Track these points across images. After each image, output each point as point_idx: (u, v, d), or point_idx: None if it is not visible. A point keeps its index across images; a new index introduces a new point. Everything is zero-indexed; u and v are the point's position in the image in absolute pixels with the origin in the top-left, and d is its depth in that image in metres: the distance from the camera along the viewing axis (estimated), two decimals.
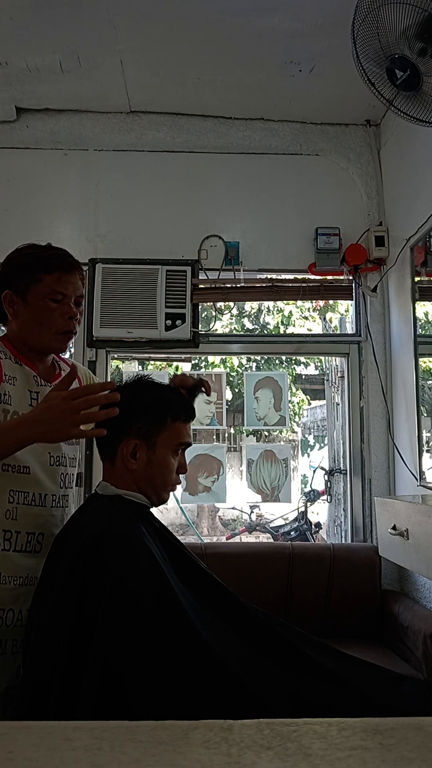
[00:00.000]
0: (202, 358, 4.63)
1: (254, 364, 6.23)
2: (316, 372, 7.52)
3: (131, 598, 0.97)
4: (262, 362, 6.24)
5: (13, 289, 1.28)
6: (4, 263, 1.32)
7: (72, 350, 2.96)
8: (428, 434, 2.52)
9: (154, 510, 1.23)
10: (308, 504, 4.76)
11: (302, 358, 6.41)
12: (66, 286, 1.27)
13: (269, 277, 2.87)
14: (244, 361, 6.46)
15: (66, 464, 1.31)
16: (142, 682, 0.90)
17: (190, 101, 2.79)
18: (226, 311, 3.03)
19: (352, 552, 2.52)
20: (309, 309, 6.62)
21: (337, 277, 2.87)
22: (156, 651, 0.93)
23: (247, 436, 7.48)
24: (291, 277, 2.88)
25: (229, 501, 3.86)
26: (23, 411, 1.21)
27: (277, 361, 6.16)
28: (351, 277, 2.83)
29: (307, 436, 9.14)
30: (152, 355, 3.00)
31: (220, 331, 4.92)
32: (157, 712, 0.88)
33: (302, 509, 4.80)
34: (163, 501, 1.22)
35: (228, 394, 5.85)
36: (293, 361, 6.86)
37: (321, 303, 6.13)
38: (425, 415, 2.50)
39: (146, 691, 0.90)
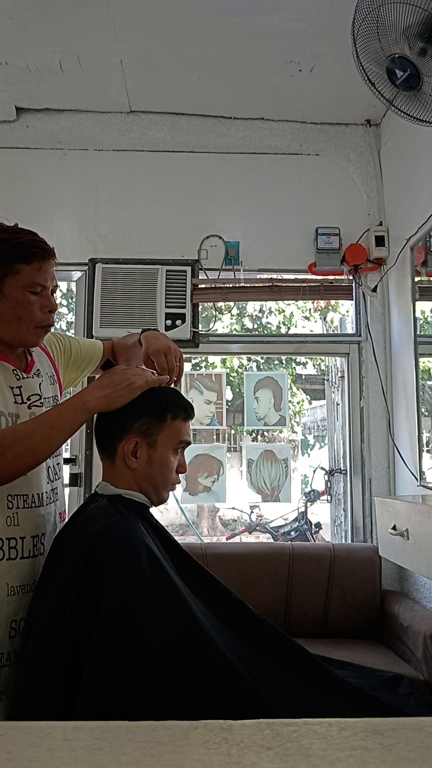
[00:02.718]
0: (202, 358, 4.62)
1: (254, 364, 6.23)
2: (316, 372, 7.52)
3: (132, 598, 0.97)
4: (262, 362, 6.24)
5: None
6: None
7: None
8: (428, 434, 2.52)
9: (154, 510, 1.23)
10: (308, 504, 4.76)
11: (302, 358, 6.41)
12: (45, 276, 1.19)
13: (269, 277, 2.87)
14: (244, 361, 6.46)
15: (54, 455, 1.27)
16: (148, 675, 0.90)
17: (190, 101, 2.79)
18: (226, 311, 3.02)
19: (353, 552, 2.52)
20: (310, 309, 6.62)
21: (337, 277, 2.87)
22: (158, 649, 0.93)
23: (248, 436, 7.48)
24: (291, 277, 2.88)
25: (229, 501, 3.85)
26: (8, 410, 1.17)
27: (277, 361, 6.16)
28: (351, 277, 2.83)
29: (307, 436, 9.13)
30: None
31: (220, 331, 4.91)
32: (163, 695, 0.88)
33: (302, 509, 4.80)
34: (163, 500, 1.22)
35: (228, 394, 5.84)
36: (293, 361, 6.86)
37: (322, 303, 6.13)
38: (425, 414, 2.50)
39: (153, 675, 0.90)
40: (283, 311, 6.64)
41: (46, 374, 1.31)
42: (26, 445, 1.08)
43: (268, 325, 6.91)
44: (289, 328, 6.55)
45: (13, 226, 1.22)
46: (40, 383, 1.26)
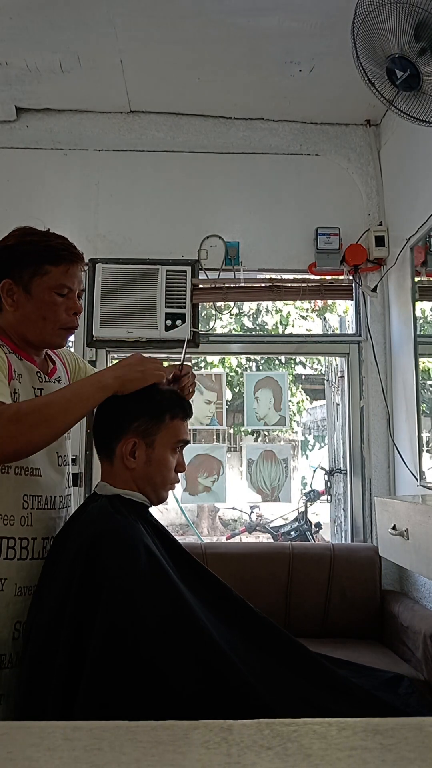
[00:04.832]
0: (202, 358, 4.62)
1: (254, 364, 6.22)
2: (316, 372, 7.51)
3: (131, 598, 0.97)
4: (262, 362, 6.24)
5: (13, 279, 1.20)
6: (3, 249, 1.22)
7: (72, 350, 2.96)
8: (428, 434, 2.52)
9: (154, 510, 1.23)
10: (308, 504, 4.76)
11: (302, 358, 6.41)
12: (72, 279, 1.22)
13: (269, 277, 2.86)
14: (243, 361, 6.45)
15: (68, 463, 1.30)
16: (147, 678, 0.90)
17: (190, 101, 2.79)
18: (226, 311, 3.03)
19: (352, 552, 2.52)
20: (307, 309, 6.61)
21: (337, 277, 2.87)
22: (158, 651, 0.93)
23: (248, 435, 7.48)
24: (291, 277, 2.88)
25: (229, 501, 3.85)
26: None
27: (277, 361, 6.15)
28: (351, 277, 2.83)
29: (307, 436, 9.13)
30: (152, 355, 2.99)
31: (219, 331, 4.91)
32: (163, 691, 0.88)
33: (302, 509, 4.80)
34: (162, 500, 1.22)
35: (228, 394, 5.84)
36: (293, 361, 6.85)
37: (320, 304, 6.12)
38: (426, 414, 2.50)
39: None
40: (280, 311, 6.62)
41: (65, 384, 1.33)
42: (43, 414, 1.07)
43: (264, 324, 6.89)
44: (285, 328, 6.55)
45: (45, 231, 1.26)
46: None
